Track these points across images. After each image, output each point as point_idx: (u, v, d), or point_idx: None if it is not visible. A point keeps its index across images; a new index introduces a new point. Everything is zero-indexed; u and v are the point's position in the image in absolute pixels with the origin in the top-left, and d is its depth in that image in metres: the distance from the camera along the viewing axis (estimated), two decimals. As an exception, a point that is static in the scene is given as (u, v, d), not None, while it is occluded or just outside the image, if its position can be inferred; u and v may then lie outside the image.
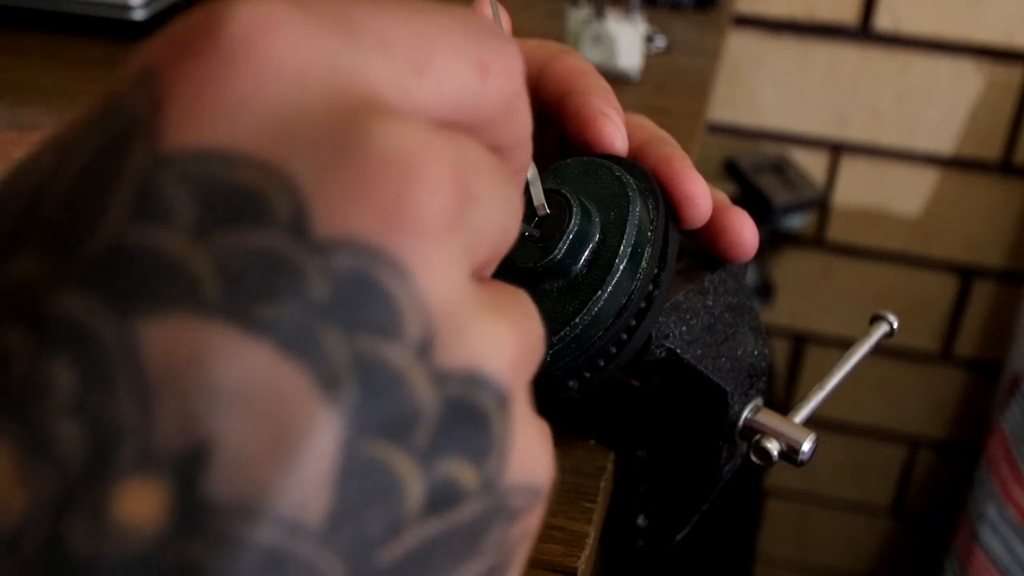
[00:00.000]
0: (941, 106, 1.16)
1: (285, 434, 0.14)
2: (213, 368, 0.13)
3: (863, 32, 1.14)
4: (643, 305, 0.30)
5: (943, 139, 1.18)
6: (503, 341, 0.16)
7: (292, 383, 0.14)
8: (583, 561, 0.32)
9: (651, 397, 0.34)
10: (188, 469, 0.13)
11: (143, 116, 0.15)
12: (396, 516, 0.15)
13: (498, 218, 0.17)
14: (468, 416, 0.15)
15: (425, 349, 0.15)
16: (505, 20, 0.32)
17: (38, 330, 0.14)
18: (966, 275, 1.25)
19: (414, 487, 0.15)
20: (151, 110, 0.15)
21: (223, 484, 0.13)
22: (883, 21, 1.13)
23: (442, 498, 0.15)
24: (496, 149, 0.19)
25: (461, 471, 0.15)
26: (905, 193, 1.22)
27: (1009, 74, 1.13)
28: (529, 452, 0.17)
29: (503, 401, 0.16)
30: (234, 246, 0.14)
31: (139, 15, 0.68)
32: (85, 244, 0.14)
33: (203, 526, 0.13)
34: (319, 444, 0.14)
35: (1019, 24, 1.11)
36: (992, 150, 1.17)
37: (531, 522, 0.17)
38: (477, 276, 0.17)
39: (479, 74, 0.17)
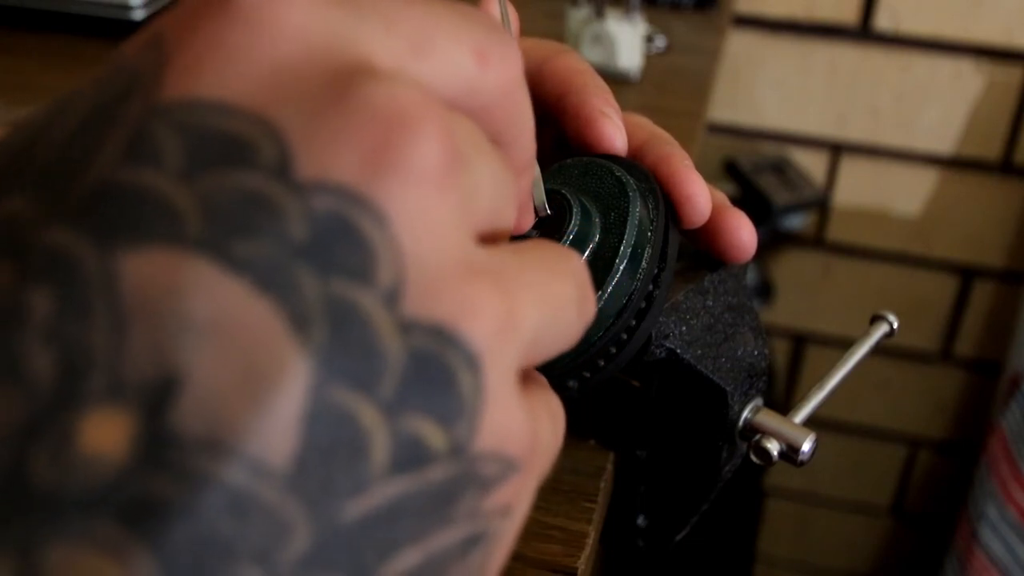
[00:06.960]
0: (941, 106, 1.16)
1: (256, 372, 0.13)
2: (188, 300, 0.13)
3: (863, 32, 1.14)
4: (643, 305, 0.30)
5: (943, 139, 1.18)
6: (485, 307, 0.16)
7: (266, 321, 0.14)
8: (583, 561, 0.32)
9: (651, 397, 0.34)
10: (156, 400, 0.13)
11: (148, 73, 0.15)
12: (362, 469, 0.14)
13: (492, 191, 0.17)
14: (435, 373, 0.15)
15: (394, 296, 0.15)
16: (513, 19, 0.32)
17: (23, 262, 0.14)
18: (966, 275, 1.25)
19: (380, 440, 0.14)
20: (156, 67, 0.15)
21: (191, 418, 0.13)
22: (883, 21, 1.13)
23: (408, 456, 0.15)
24: (496, 143, 0.19)
25: (428, 430, 0.15)
26: (905, 193, 1.22)
27: (1009, 74, 1.13)
28: (505, 422, 0.16)
29: (473, 364, 0.15)
30: (218, 186, 0.14)
31: (139, 15, 0.68)
32: (76, 185, 0.14)
33: (169, 459, 0.13)
34: (290, 386, 0.14)
35: (1019, 24, 1.11)
36: (992, 150, 1.17)
37: (508, 495, 0.17)
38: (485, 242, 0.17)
39: (478, 62, 0.17)
